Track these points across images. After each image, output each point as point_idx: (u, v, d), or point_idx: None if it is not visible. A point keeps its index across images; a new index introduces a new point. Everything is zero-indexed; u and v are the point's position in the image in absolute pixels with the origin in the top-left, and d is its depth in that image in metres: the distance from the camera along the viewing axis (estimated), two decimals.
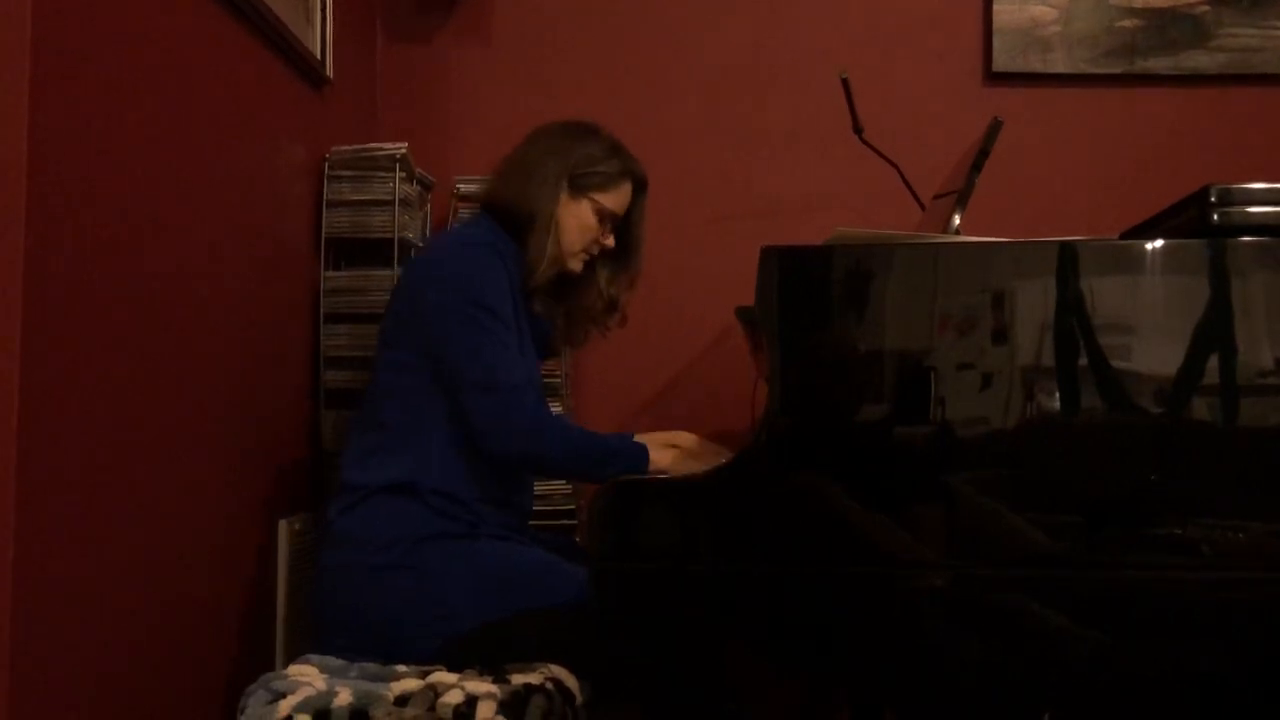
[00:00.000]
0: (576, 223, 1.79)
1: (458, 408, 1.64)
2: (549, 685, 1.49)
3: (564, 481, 2.17)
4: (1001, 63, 2.43)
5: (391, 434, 1.68)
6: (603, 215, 1.80)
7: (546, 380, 2.17)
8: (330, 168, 2.12)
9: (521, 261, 1.76)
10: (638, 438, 1.70)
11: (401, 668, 1.54)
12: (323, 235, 2.11)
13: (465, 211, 2.29)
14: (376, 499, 1.64)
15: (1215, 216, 1.37)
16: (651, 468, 1.66)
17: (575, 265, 1.82)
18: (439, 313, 1.66)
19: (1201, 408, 1.36)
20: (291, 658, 1.67)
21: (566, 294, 1.89)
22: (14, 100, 1.18)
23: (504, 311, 1.68)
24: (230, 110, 1.71)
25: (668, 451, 1.69)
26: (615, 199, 1.82)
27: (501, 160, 1.85)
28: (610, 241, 1.84)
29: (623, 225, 1.87)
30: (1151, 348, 1.36)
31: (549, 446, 1.65)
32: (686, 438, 1.74)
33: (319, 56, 2.06)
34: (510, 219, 1.78)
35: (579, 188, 1.78)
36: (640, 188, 1.86)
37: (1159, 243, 1.37)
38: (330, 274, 2.11)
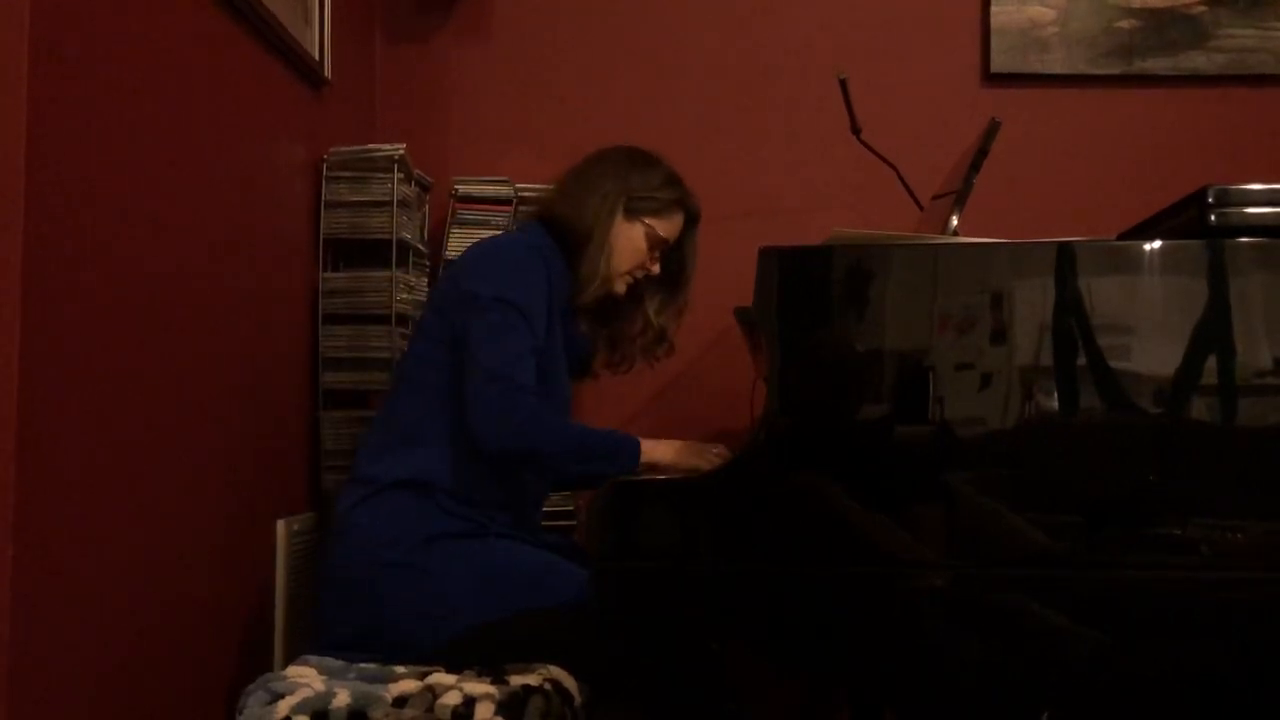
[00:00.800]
0: (629, 245, 1.82)
1: (462, 395, 1.64)
2: (547, 686, 1.49)
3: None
4: (1000, 63, 2.43)
5: (408, 430, 1.69)
6: (653, 241, 1.83)
7: None
8: (328, 168, 2.11)
9: (567, 276, 1.78)
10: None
11: (400, 669, 1.54)
12: (321, 236, 2.11)
13: (464, 213, 2.29)
14: (388, 493, 1.65)
15: (1213, 217, 1.37)
16: (645, 460, 1.66)
17: (620, 287, 1.85)
18: (467, 301, 1.67)
19: (1200, 408, 1.36)
20: (290, 658, 1.67)
21: (609, 318, 1.92)
22: (13, 101, 1.18)
23: (533, 313, 1.68)
24: (229, 111, 1.71)
25: (665, 446, 1.68)
26: (667, 226, 1.85)
27: (563, 173, 1.88)
28: (656, 269, 1.87)
29: (673, 255, 1.90)
30: (1150, 348, 1.36)
31: (540, 443, 1.65)
32: (679, 442, 1.73)
33: (317, 57, 2.06)
34: (564, 232, 1.80)
35: (634, 211, 1.81)
36: (693, 220, 1.90)
37: (1157, 243, 1.37)
38: (329, 275, 2.11)
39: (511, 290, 1.67)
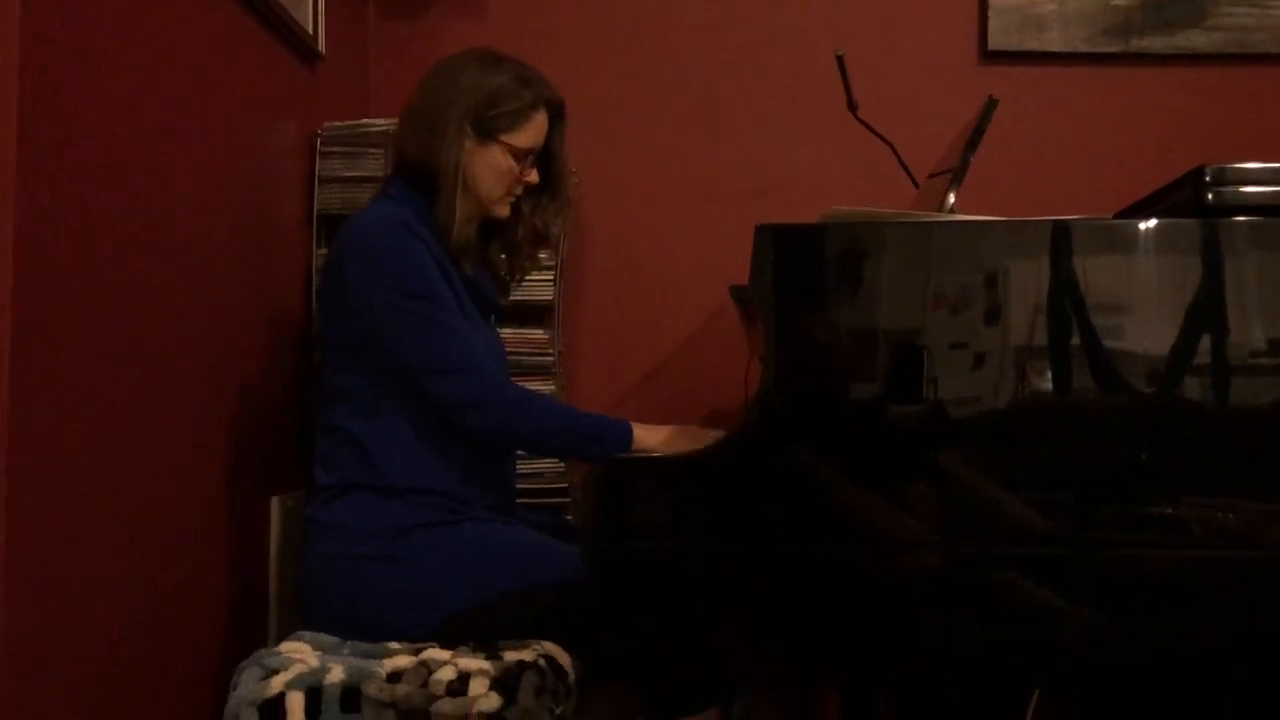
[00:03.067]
0: (490, 170, 1.68)
1: (423, 398, 1.60)
2: (541, 662, 1.50)
3: (556, 460, 2.16)
4: (997, 41, 2.42)
5: (351, 438, 1.63)
6: (518, 155, 1.69)
7: (538, 359, 2.17)
8: (322, 144, 2.10)
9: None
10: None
11: (394, 645, 1.54)
12: (315, 212, 2.10)
13: None
14: (353, 494, 1.62)
15: (1210, 196, 1.37)
16: (636, 446, 1.63)
17: (501, 211, 1.72)
18: (373, 311, 1.59)
19: (1194, 388, 1.36)
20: (284, 634, 1.67)
21: (494, 237, 1.80)
22: (3, 76, 1.17)
23: (437, 292, 1.61)
24: (221, 85, 1.70)
25: (657, 430, 1.66)
26: (529, 135, 1.69)
27: (404, 108, 1.72)
28: (534, 178, 1.73)
29: (543, 156, 1.75)
30: (1145, 327, 1.36)
31: (529, 422, 1.62)
32: (673, 427, 1.71)
33: (311, 31, 2.04)
34: (420, 178, 1.68)
35: (486, 132, 1.66)
36: (557, 113, 1.74)
37: (1153, 222, 1.37)
38: (322, 251, 2.10)
39: (401, 279, 1.58)
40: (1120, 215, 1.58)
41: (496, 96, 1.66)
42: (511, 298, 2.12)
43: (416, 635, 1.56)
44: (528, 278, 2.10)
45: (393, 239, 1.61)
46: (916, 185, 2.09)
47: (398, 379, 1.61)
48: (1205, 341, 1.35)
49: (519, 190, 1.73)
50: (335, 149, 2.10)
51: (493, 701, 1.42)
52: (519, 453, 1.85)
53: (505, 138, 1.68)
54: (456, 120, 1.65)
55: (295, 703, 1.42)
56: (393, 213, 1.64)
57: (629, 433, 1.64)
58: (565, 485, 2.17)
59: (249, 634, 1.78)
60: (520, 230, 1.79)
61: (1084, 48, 2.42)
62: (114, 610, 1.39)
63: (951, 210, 1.62)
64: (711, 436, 1.68)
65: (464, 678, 1.44)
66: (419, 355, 1.59)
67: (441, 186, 1.65)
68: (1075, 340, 1.36)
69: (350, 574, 1.59)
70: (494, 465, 1.73)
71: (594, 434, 1.63)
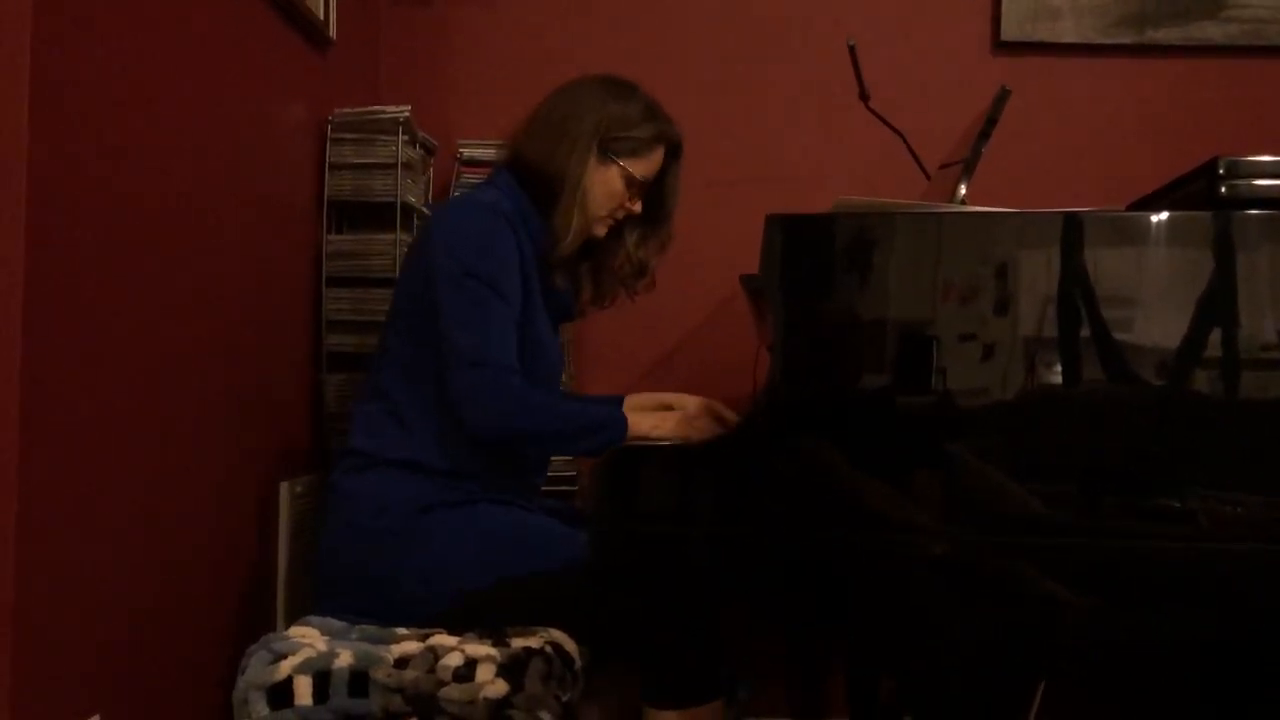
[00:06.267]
0: (604, 190, 1.72)
1: (445, 380, 1.61)
2: (548, 649, 1.50)
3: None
4: (1010, 31, 2.40)
5: (396, 409, 1.65)
6: (630, 183, 1.74)
7: None
8: (333, 130, 2.10)
9: (544, 229, 1.70)
10: (632, 399, 1.67)
11: (402, 630, 1.55)
12: (325, 198, 2.10)
13: (469, 176, 2.28)
14: (382, 468, 1.64)
15: (1223, 189, 1.36)
16: (634, 432, 1.59)
17: (600, 231, 1.76)
18: (436, 278, 1.61)
19: (1203, 381, 1.35)
20: (292, 619, 1.68)
21: (589, 256, 1.83)
22: (15, 63, 1.17)
23: (504, 284, 1.62)
24: (232, 71, 1.70)
25: (659, 417, 1.65)
26: (645, 166, 1.75)
27: (531, 113, 1.76)
28: (638, 208, 1.78)
29: (654, 190, 1.80)
30: (1155, 320, 1.35)
31: (528, 426, 1.60)
32: (692, 401, 1.71)
33: (322, 17, 2.04)
34: (534, 180, 1.71)
35: (608, 153, 1.71)
36: (674, 152, 1.80)
37: (1165, 215, 1.36)
38: (332, 237, 2.10)
39: (479, 262, 1.60)
40: (1133, 207, 1.58)
41: (626, 123, 1.72)
42: None
43: (427, 613, 1.57)
44: None
45: (485, 219, 1.64)
46: (928, 176, 2.09)
47: (440, 354, 1.62)
48: (1216, 335, 1.35)
49: (620, 215, 1.77)
50: (346, 135, 2.10)
51: (499, 688, 1.43)
52: None
53: (625, 163, 1.72)
54: (586, 135, 1.69)
55: (303, 687, 1.43)
56: (495, 200, 1.68)
57: (623, 428, 1.60)
58: (573, 474, 2.17)
59: (257, 618, 1.79)
60: (620, 258, 1.83)
61: (1097, 38, 2.40)
62: (123, 594, 1.39)
63: (963, 201, 1.61)
64: (721, 418, 1.67)
65: (471, 664, 1.45)
66: (455, 335, 1.59)
67: (561, 194, 1.69)
68: (1085, 332, 1.35)
69: (368, 547, 1.60)
70: (520, 460, 1.73)
71: (588, 429, 1.60)
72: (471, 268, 1.60)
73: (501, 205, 1.67)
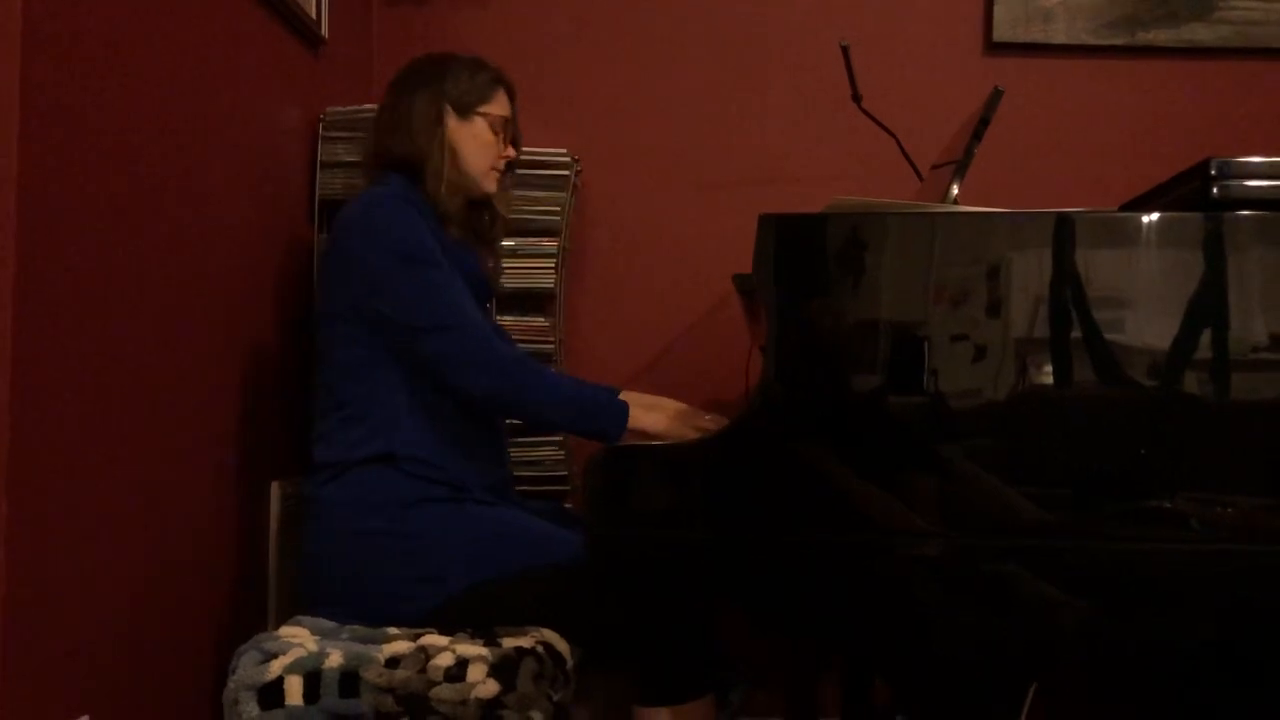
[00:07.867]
0: (476, 144, 1.78)
1: (418, 360, 1.62)
2: (539, 649, 1.50)
3: (555, 449, 2.16)
4: (1002, 32, 2.41)
5: (354, 411, 1.64)
6: (495, 126, 1.79)
7: (540, 347, 2.16)
8: (325, 129, 2.10)
9: (434, 215, 1.73)
10: (622, 395, 1.67)
11: (393, 630, 1.54)
12: (316, 197, 2.09)
13: None
14: (355, 471, 1.62)
15: (1215, 190, 1.36)
16: (632, 424, 1.62)
17: (490, 185, 1.81)
18: (373, 275, 1.62)
19: (1195, 382, 1.36)
20: (283, 619, 1.67)
21: (479, 219, 1.86)
22: (6, 62, 1.17)
23: (434, 256, 1.65)
24: (225, 70, 1.69)
25: (653, 414, 1.65)
26: (501, 106, 1.81)
27: (374, 121, 1.83)
28: (513, 153, 1.83)
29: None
30: (1147, 321, 1.35)
31: (526, 389, 1.62)
32: (672, 404, 1.70)
33: (314, 16, 2.04)
34: (406, 165, 1.75)
35: (464, 108, 1.77)
36: (511, 92, 1.85)
37: (1157, 215, 1.36)
38: (324, 236, 2.09)
39: (413, 245, 1.64)
40: (1125, 208, 1.58)
41: (462, 79, 1.78)
42: (514, 285, 2.12)
43: (417, 613, 1.57)
44: (530, 265, 2.15)
45: (390, 208, 1.67)
46: (920, 176, 2.09)
47: (395, 348, 1.63)
48: (1207, 336, 1.35)
49: (502, 165, 1.82)
50: (338, 134, 2.10)
51: (491, 688, 1.43)
52: (516, 438, 1.85)
53: (484, 109, 1.78)
54: (431, 105, 1.75)
55: (294, 687, 1.42)
56: (389, 190, 1.71)
57: (625, 414, 1.62)
58: (565, 474, 2.17)
59: (248, 618, 1.78)
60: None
61: (1089, 40, 2.41)
62: (113, 593, 1.39)
63: (955, 201, 1.61)
64: (708, 420, 1.67)
65: (462, 664, 1.44)
66: (415, 313, 1.61)
67: (428, 160, 1.74)
68: (1077, 333, 1.35)
69: (355, 549, 1.59)
70: (490, 442, 1.74)
71: (590, 410, 1.63)
72: (408, 251, 1.63)
73: (396, 193, 1.70)
